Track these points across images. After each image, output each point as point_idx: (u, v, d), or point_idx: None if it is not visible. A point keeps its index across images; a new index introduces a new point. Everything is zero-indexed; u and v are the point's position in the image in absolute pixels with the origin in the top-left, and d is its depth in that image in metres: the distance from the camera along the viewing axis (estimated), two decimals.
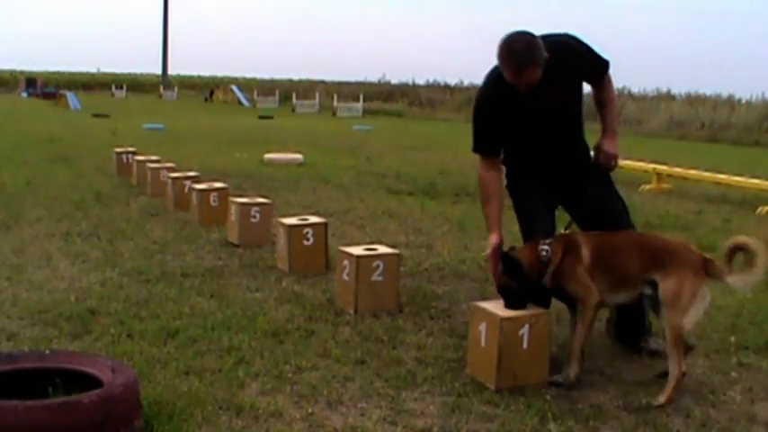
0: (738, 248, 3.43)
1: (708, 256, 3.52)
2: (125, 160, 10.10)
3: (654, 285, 3.44)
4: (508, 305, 3.48)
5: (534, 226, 3.76)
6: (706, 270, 3.41)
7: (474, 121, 3.82)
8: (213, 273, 5.26)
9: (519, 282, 3.47)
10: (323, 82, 44.53)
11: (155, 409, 3.03)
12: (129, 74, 58.98)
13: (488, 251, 3.73)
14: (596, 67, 3.82)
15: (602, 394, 3.45)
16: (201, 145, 14.91)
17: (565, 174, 3.84)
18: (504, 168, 3.90)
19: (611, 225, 3.78)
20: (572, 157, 3.88)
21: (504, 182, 3.90)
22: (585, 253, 3.48)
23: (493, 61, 3.63)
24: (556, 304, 4.17)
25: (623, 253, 3.52)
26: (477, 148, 3.82)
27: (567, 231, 3.90)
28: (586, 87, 3.92)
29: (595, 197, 3.84)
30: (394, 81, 41.67)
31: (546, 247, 3.48)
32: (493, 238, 3.70)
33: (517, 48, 3.43)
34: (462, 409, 3.22)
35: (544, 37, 3.57)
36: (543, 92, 3.55)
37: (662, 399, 3.33)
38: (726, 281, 3.43)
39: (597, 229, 3.73)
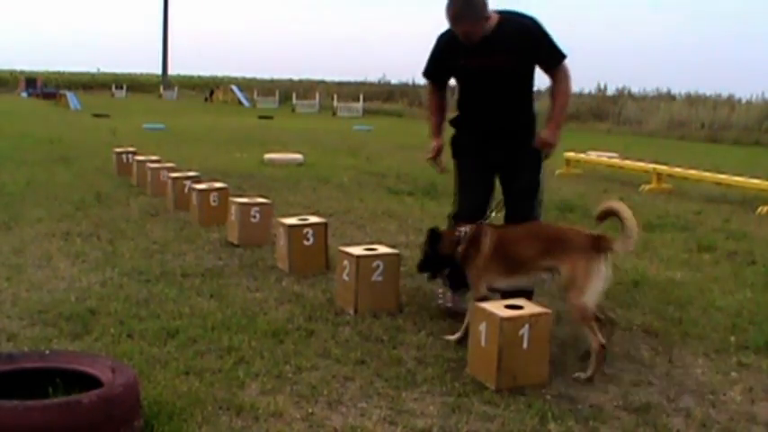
0: (608, 213, 3.70)
1: (596, 233, 3.74)
2: (125, 160, 10.09)
3: (554, 272, 3.76)
4: (420, 266, 4.23)
5: (464, 199, 4.38)
6: (597, 247, 3.63)
7: (430, 53, 4.36)
8: (213, 273, 5.26)
9: (432, 251, 4.09)
10: (323, 82, 44.54)
11: (155, 409, 3.03)
12: (129, 74, 59.00)
13: (431, 153, 4.49)
14: (549, 54, 4.13)
15: (602, 394, 3.45)
16: (201, 145, 14.91)
17: (504, 142, 4.23)
18: (446, 95, 4.53)
19: (517, 212, 4.25)
20: (512, 128, 4.23)
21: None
22: (487, 243, 3.91)
23: None
24: (558, 306, 4.17)
25: (521, 243, 3.89)
26: (426, 73, 4.43)
27: (492, 215, 4.34)
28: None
29: (519, 187, 4.28)
30: (394, 81, 41.66)
31: (463, 229, 4.03)
32: (434, 142, 4.47)
33: (457, 1, 3.97)
34: (462, 409, 3.22)
35: (507, 11, 4.12)
36: (488, 51, 4.04)
37: (589, 372, 3.57)
38: (615, 250, 3.64)
39: (507, 210, 4.32)
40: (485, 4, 3.98)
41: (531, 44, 4.06)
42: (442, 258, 4.09)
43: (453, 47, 4.13)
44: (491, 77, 4.10)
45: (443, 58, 4.27)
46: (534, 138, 4.21)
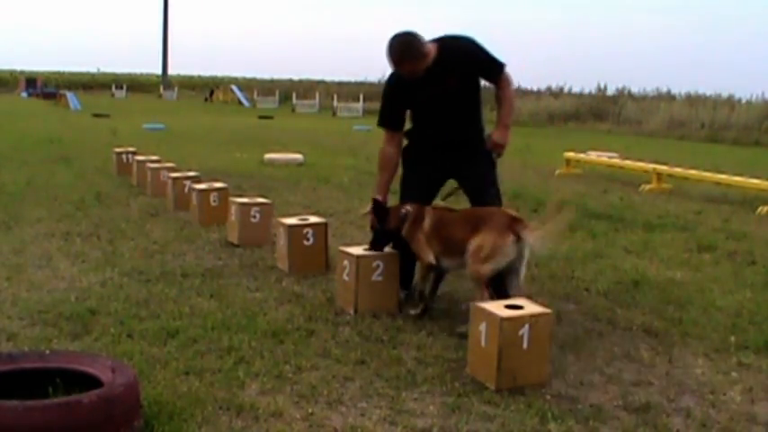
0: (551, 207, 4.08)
1: (517, 215, 4.11)
2: (125, 160, 10.10)
3: None
4: (372, 244, 4.50)
5: (405, 197, 4.60)
6: (510, 227, 3.98)
7: (382, 99, 4.64)
8: (213, 273, 5.26)
9: (381, 225, 4.43)
10: (323, 82, 44.50)
11: (155, 409, 3.03)
12: (129, 74, 59.02)
13: (369, 208, 4.52)
14: (490, 67, 4.47)
15: (602, 394, 3.45)
16: (201, 145, 14.91)
17: (455, 153, 4.51)
18: (403, 144, 4.65)
19: (482, 199, 4.48)
20: (464, 139, 4.53)
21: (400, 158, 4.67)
22: (427, 223, 4.28)
23: None
24: (558, 306, 4.18)
25: (454, 226, 4.22)
26: (381, 122, 4.63)
27: (443, 202, 4.74)
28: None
29: (477, 176, 4.55)
30: None
31: (407, 208, 4.38)
32: (378, 197, 4.55)
33: (395, 45, 4.26)
34: (462, 409, 3.22)
35: (444, 38, 4.41)
36: (436, 79, 4.31)
37: (464, 328, 3.79)
38: (525, 238, 3.98)
39: (472, 200, 4.57)
40: (422, 42, 4.28)
41: (472, 62, 4.41)
42: (389, 233, 4.45)
43: (404, 85, 4.42)
44: (442, 101, 4.42)
45: (398, 100, 4.53)
46: (484, 142, 4.54)
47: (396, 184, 4.71)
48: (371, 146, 16.04)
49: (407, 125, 4.65)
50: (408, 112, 4.60)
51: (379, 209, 4.44)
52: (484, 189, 4.52)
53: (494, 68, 4.47)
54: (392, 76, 4.50)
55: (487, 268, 3.98)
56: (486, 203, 4.43)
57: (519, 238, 3.96)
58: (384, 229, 4.44)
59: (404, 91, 4.46)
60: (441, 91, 4.37)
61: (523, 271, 4.09)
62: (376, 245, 4.50)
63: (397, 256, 4.58)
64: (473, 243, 4.02)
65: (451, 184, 4.73)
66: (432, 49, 4.31)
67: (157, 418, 2.97)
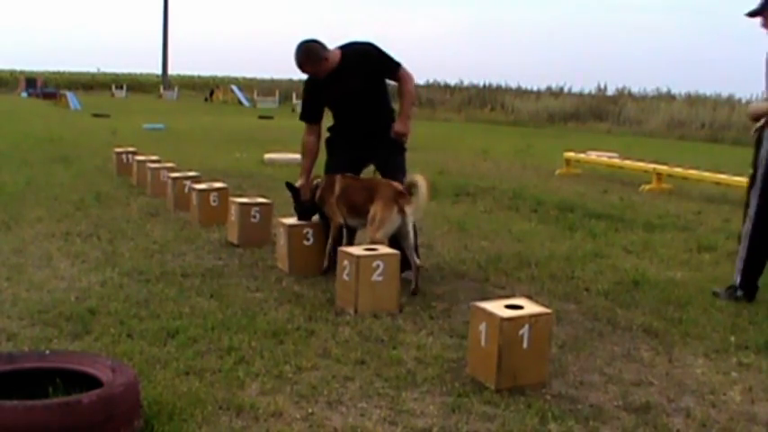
0: (411, 185, 4.85)
1: (401, 189, 4.85)
2: (125, 160, 10.09)
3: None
4: (299, 216, 5.42)
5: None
6: (395, 198, 4.80)
7: (303, 96, 5.48)
8: (213, 273, 5.26)
9: (296, 199, 5.38)
10: None
11: (155, 409, 3.03)
12: (129, 74, 58.93)
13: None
14: (387, 67, 5.16)
15: (602, 394, 3.45)
16: (201, 145, 14.91)
17: (370, 141, 5.23)
18: (320, 135, 5.44)
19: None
20: (374, 129, 5.22)
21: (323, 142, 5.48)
22: (337, 189, 5.11)
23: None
24: (558, 306, 4.17)
25: (356, 192, 5.07)
26: (302, 117, 5.41)
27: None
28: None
29: (391, 165, 5.24)
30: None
31: (318, 180, 5.29)
32: (300, 181, 5.37)
33: (299, 51, 5.06)
34: (462, 409, 3.22)
35: (347, 44, 5.19)
36: (341, 80, 5.10)
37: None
38: (405, 211, 4.80)
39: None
40: (320, 49, 5.05)
41: (370, 63, 5.10)
42: (307, 205, 5.33)
43: (316, 84, 5.20)
44: (349, 97, 5.12)
45: (314, 97, 5.29)
46: (391, 132, 5.17)
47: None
48: None
49: (329, 122, 5.39)
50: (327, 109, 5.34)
51: (290, 188, 5.38)
52: (395, 176, 5.10)
53: (390, 67, 5.14)
54: (307, 79, 5.26)
55: (381, 234, 4.78)
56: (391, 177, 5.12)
57: (401, 209, 4.78)
58: (300, 203, 5.33)
59: (318, 90, 5.21)
60: (346, 90, 5.08)
61: (412, 234, 4.92)
62: (301, 216, 5.41)
63: (398, 257, 4.59)
64: (369, 215, 4.84)
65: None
66: (335, 55, 5.07)
67: (157, 418, 2.97)
